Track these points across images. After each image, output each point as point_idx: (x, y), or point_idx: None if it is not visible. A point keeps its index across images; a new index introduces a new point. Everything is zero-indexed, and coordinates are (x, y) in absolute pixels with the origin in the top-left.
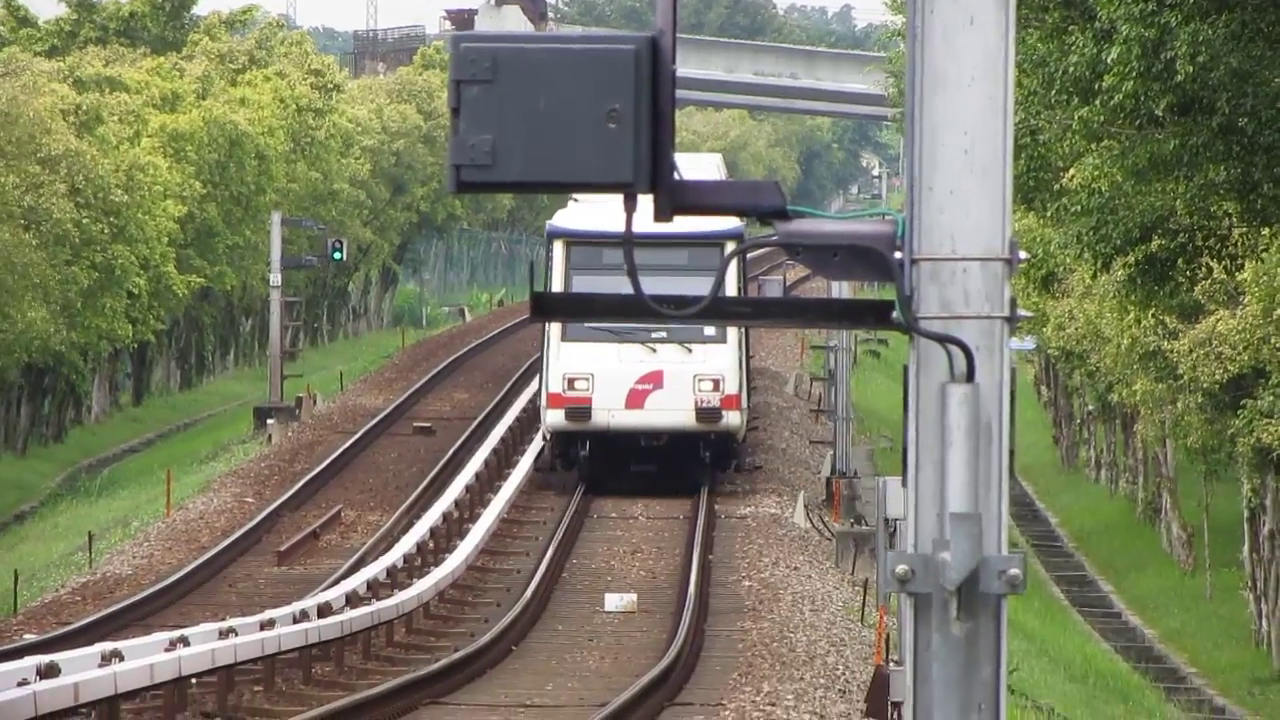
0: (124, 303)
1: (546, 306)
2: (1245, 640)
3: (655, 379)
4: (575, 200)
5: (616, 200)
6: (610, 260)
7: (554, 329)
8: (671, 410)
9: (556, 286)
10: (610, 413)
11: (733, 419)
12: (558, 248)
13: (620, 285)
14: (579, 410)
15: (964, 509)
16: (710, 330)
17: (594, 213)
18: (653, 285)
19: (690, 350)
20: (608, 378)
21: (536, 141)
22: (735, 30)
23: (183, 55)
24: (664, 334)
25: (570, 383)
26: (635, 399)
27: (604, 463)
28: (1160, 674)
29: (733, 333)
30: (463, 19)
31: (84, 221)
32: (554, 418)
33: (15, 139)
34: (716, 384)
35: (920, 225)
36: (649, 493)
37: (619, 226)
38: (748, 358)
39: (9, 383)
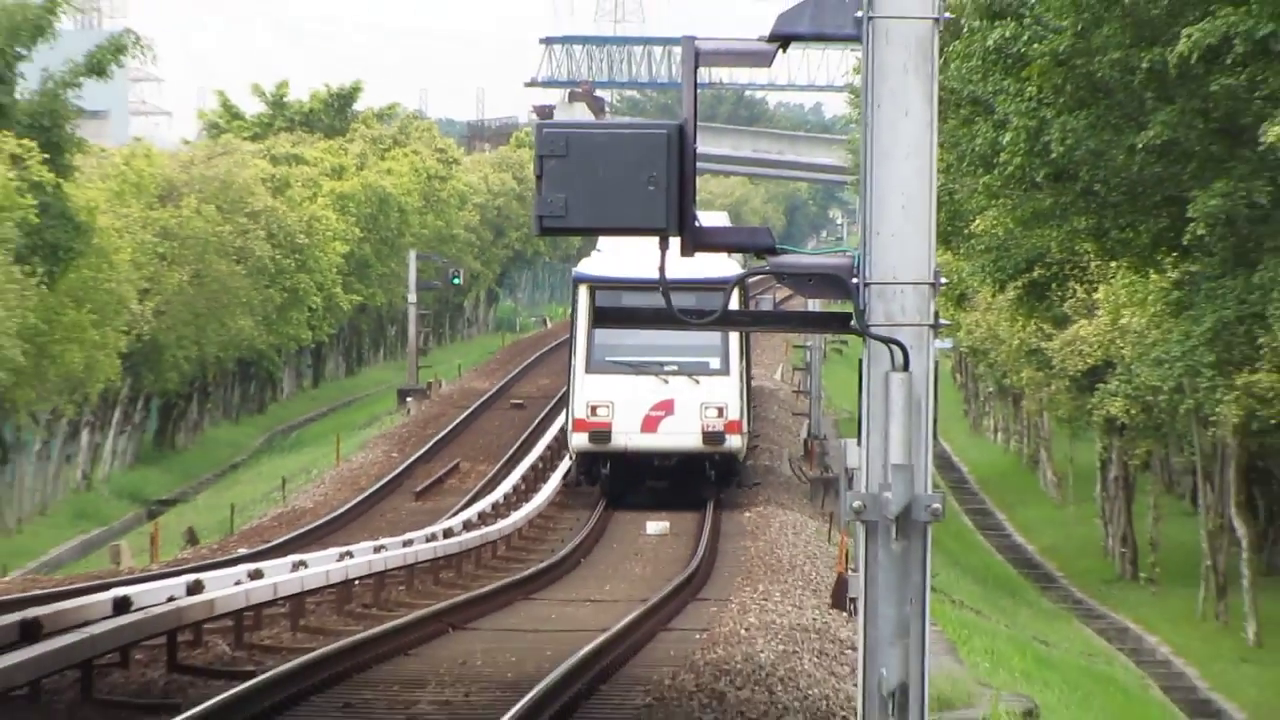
0: (305, 315)
1: (606, 316)
2: (1098, 553)
3: (667, 407)
4: (598, 250)
5: (631, 251)
6: (626, 301)
7: (579, 363)
8: (681, 434)
9: (581, 325)
10: (628, 436)
11: (735, 442)
12: (582, 291)
13: (643, 329)
14: (600, 434)
15: (901, 461)
16: (715, 364)
17: (611, 261)
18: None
19: (698, 382)
20: (626, 405)
21: (596, 199)
22: (738, 120)
23: (346, 139)
24: (675, 367)
25: (593, 409)
26: (650, 424)
27: (622, 479)
28: (1038, 577)
29: (735, 366)
30: (545, 112)
31: (277, 257)
32: (579, 440)
33: (230, 199)
34: (720, 411)
35: (870, 259)
36: (667, 502)
37: (632, 274)
38: (749, 385)
39: (227, 371)
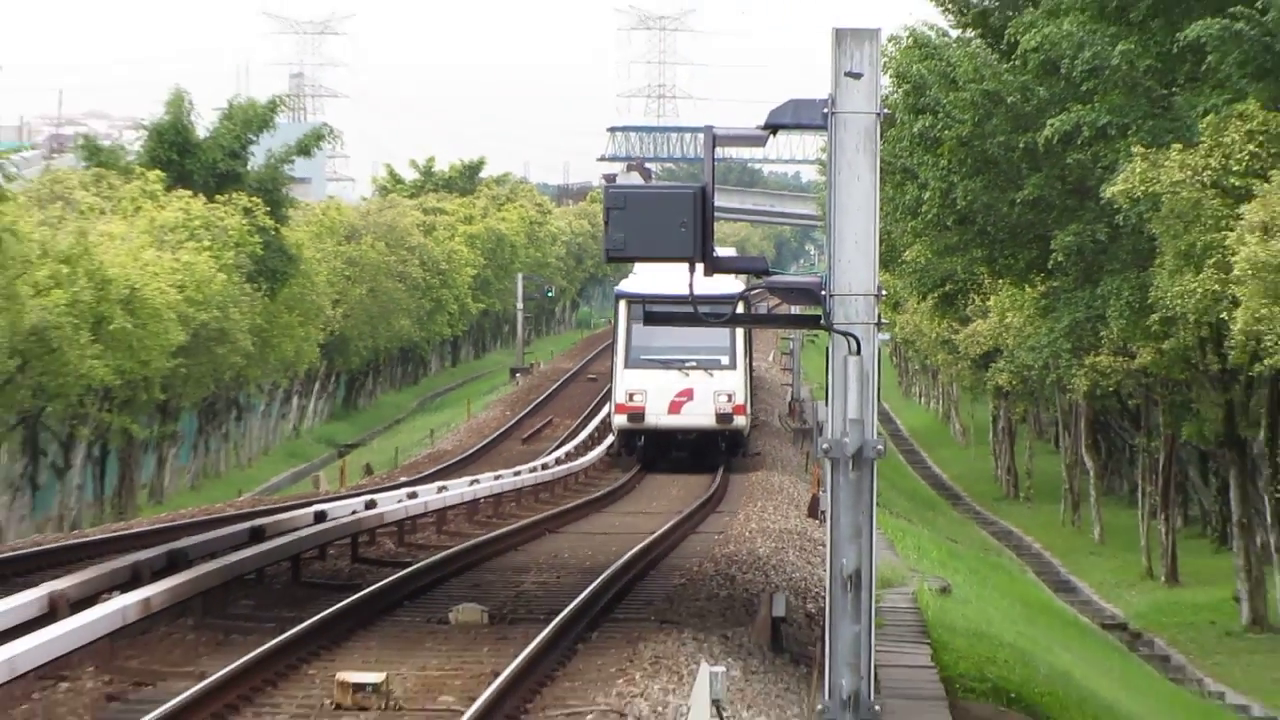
0: (446, 317)
1: (654, 317)
2: (989, 480)
3: (688, 394)
4: (634, 273)
5: (658, 273)
6: (662, 315)
7: (619, 360)
8: (699, 415)
9: (621, 330)
10: (658, 416)
11: (740, 421)
12: (622, 304)
13: (671, 332)
14: (637, 415)
15: (855, 417)
16: (725, 361)
17: (644, 281)
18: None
19: (712, 374)
20: (656, 393)
21: (646, 237)
22: (741, 182)
23: (474, 196)
24: (694, 363)
25: (630, 396)
26: (674, 407)
27: (653, 450)
28: (949, 496)
29: (740, 362)
30: (610, 178)
31: (427, 278)
32: (619, 420)
33: (394, 238)
34: (730, 397)
35: (833, 279)
36: (687, 467)
37: (660, 290)
38: (752, 377)
39: (392, 355)
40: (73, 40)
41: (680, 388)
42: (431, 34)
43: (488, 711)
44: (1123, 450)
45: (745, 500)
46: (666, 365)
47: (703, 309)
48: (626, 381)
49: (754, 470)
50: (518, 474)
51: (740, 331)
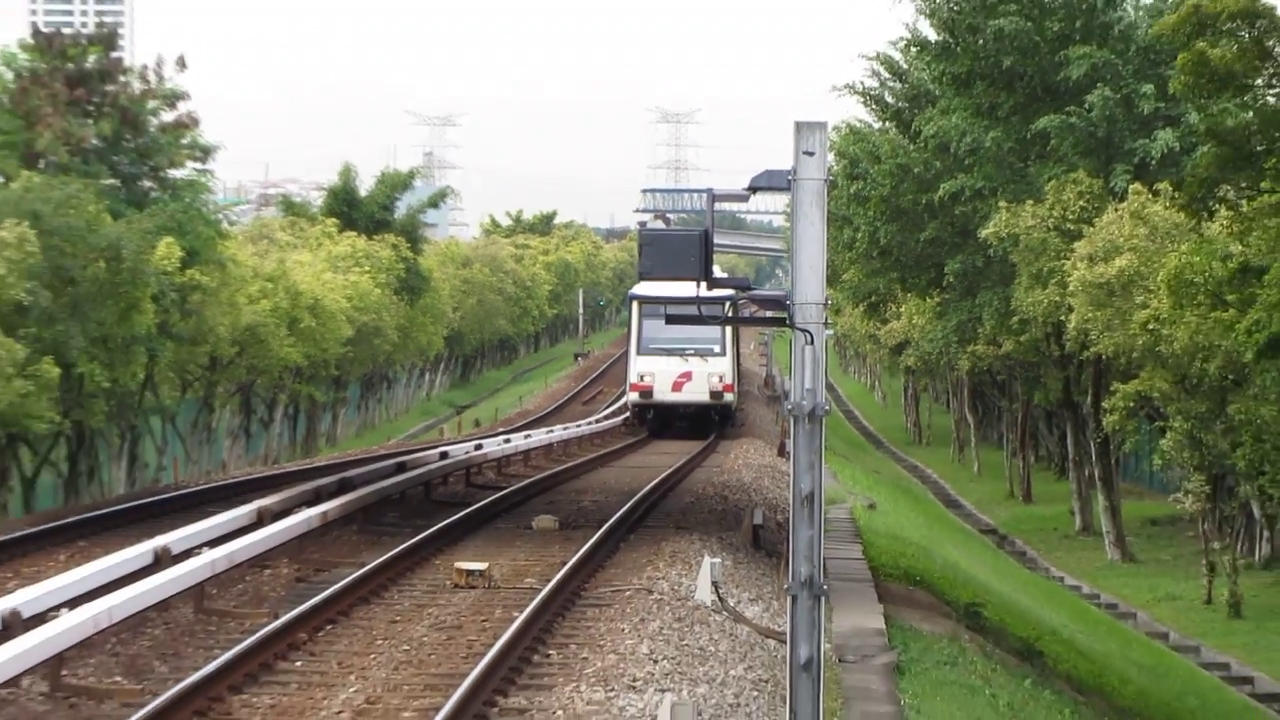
0: (530, 319)
1: (673, 318)
2: (901, 430)
3: (688, 376)
4: (642, 280)
5: (662, 282)
6: (665, 312)
7: (633, 348)
8: (696, 393)
9: (633, 324)
10: (663, 393)
11: (729, 398)
12: (635, 305)
13: (673, 327)
14: (647, 392)
15: (809, 387)
16: (716, 350)
17: (653, 288)
18: (695, 323)
19: (706, 360)
20: (662, 375)
21: (667, 262)
22: (732, 226)
23: (549, 236)
24: (692, 351)
25: (641, 377)
26: (677, 386)
27: (660, 421)
28: (874, 441)
29: (729, 351)
30: (643, 224)
31: (517, 293)
32: (633, 396)
33: (495, 265)
34: (720, 378)
35: (795, 292)
36: (690, 434)
37: (663, 294)
38: (739, 364)
39: (493, 345)
40: (274, 128)
41: (681, 370)
42: (519, 126)
43: (558, 589)
44: (993, 410)
45: (734, 445)
46: (670, 353)
47: (710, 331)
48: (638, 365)
49: (740, 425)
50: (579, 426)
51: (728, 328)
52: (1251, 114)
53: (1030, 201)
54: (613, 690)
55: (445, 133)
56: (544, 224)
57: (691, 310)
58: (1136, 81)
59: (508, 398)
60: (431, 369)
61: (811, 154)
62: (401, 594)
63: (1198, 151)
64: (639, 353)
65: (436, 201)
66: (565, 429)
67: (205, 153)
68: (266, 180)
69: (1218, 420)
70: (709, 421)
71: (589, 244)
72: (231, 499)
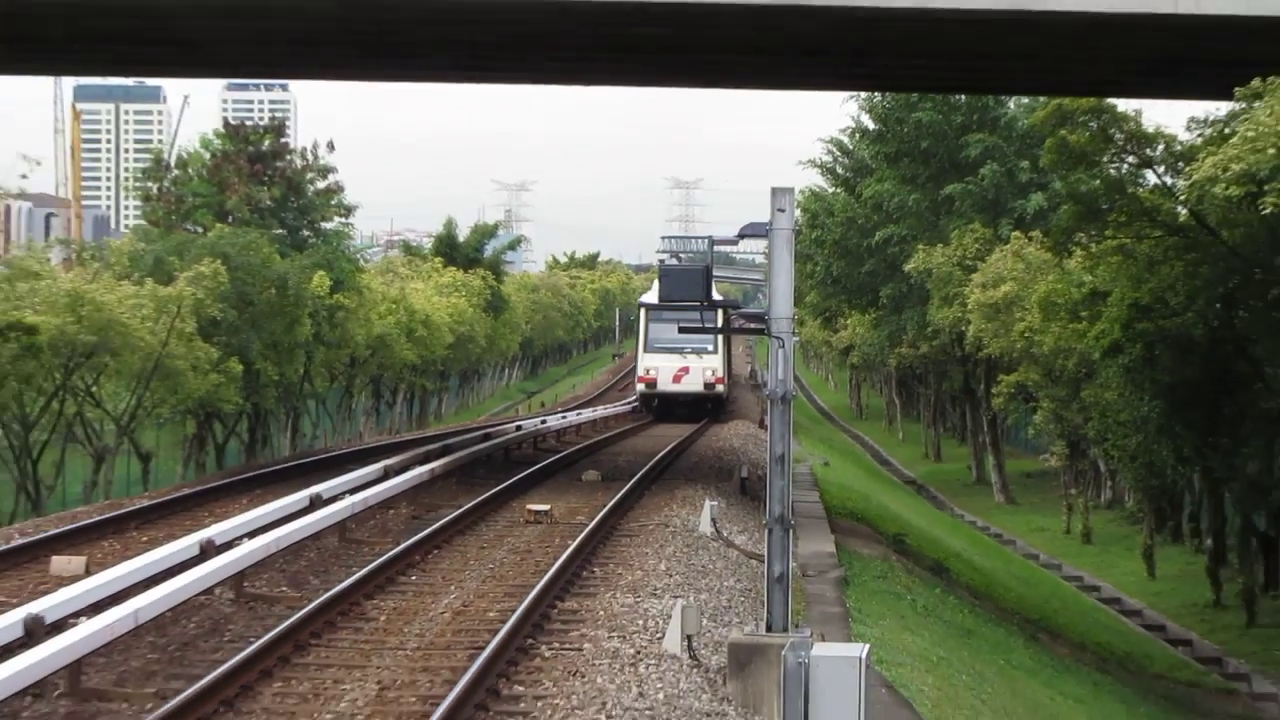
0: (580, 330)
1: (686, 328)
2: (848, 409)
3: (686, 370)
4: (650, 290)
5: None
6: (667, 316)
7: (641, 347)
8: (693, 385)
9: (641, 327)
10: (665, 385)
11: (721, 389)
12: (643, 311)
13: (675, 329)
14: (651, 384)
15: (781, 378)
16: (710, 349)
17: (656, 295)
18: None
19: (701, 357)
20: (664, 369)
21: (679, 287)
22: (726, 262)
23: (594, 269)
24: (690, 350)
25: (648, 371)
26: (677, 379)
27: (662, 408)
28: (827, 417)
29: (721, 350)
30: (662, 261)
31: (571, 311)
32: (641, 387)
33: (555, 290)
34: (713, 372)
35: (771, 310)
36: (685, 420)
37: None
38: (730, 362)
39: (554, 348)
40: (398, 189)
41: (680, 366)
42: (573, 191)
43: (601, 524)
44: (914, 394)
45: (728, 422)
46: (671, 351)
47: (687, 317)
48: (645, 361)
49: (731, 408)
50: (614, 407)
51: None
52: (1099, 182)
53: (940, 245)
54: (639, 596)
55: (520, 195)
56: (590, 261)
57: (680, 314)
58: (1016, 159)
59: (564, 386)
60: (509, 365)
61: (783, 210)
62: (487, 527)
63: (1060, 209)
64: (645, 351)
65: (513, 245)
66: (604, 409)
67: (347, 210)
68: (392, 230)
69: (1074, 402)
70: (704, 409)
71: (623, 275)
72: (365, 459)
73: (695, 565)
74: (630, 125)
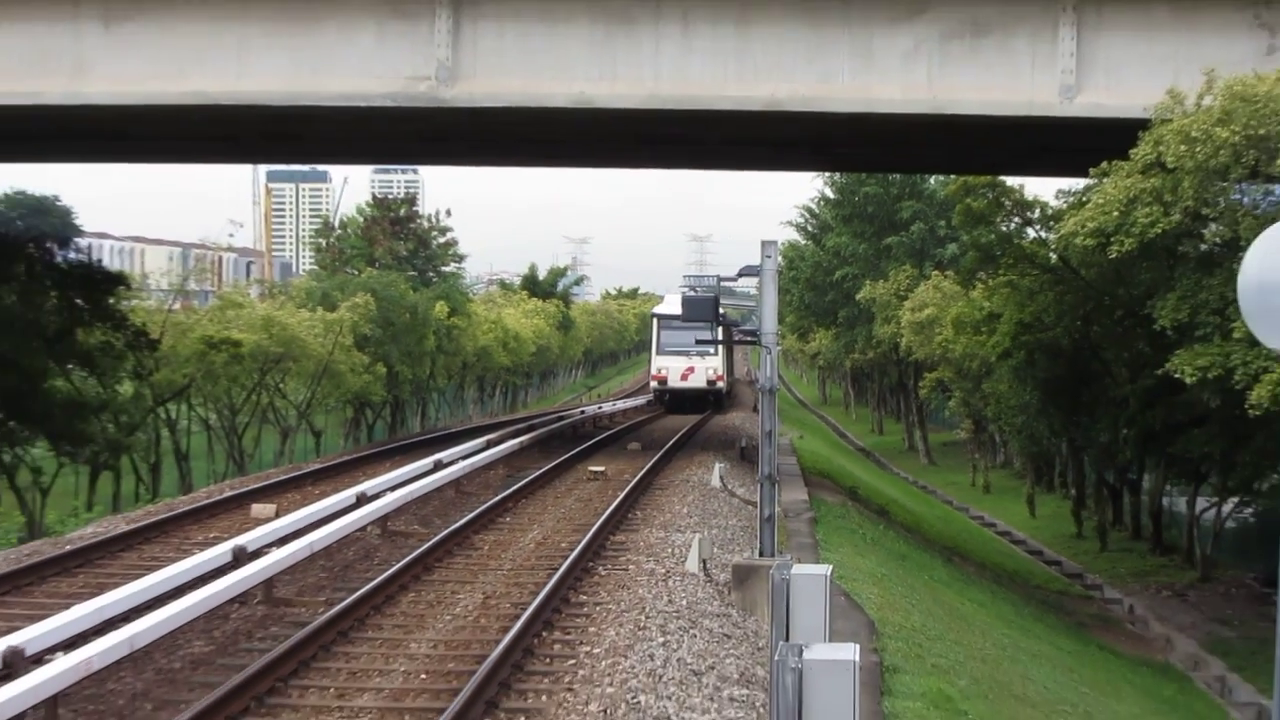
0: (626, 342)
1: (700, 342)
2: (817, 398)
3: (691, 369)
4: (661, 305)
5: (673, 305)
6: (676, 325)
7: (653, 350)
8: (697, 381)
9: (654, 335)
10: (674, 382)
11: (721, 386)
12: (655, 321)
13: (681, 335)
14: (663, 381)
15: (769, 375)
16: (712, 351)
17: (669, 307)
18: (696, 333)
19: (704, 358)
20: (673, 369)
21: (697, 312)
22: (727, 292)
23: (635, 299)
24: (695, 352)
25: (659, 370)
26: (684, 377)
27: (672, 402)
28: (801, 404)
29: (722, 353)
30: (684, 294)
31: (619, 329)
32: (654, 384)
33: (606, 314)
34: (714, 371)
35: (761, 327)
36: (691, 411)
37: (673, 312)
38: (730, 363)
39: (606, 356)
40: (495, 238)
41: (687, 365)
42: (625, 238)
43: (641, 481)
44: (864, 387)
45: (731, 411)
46: (679, 353)
47: (705, 335)
48: (657, 363)
49: (733, 399)
50: (624, 400)
51: (720, 337)
52: (994, 236)
53: (882, 281)
54: (668, 531)
55: (584, 245)
56: (632, 293)
57: (707, 336)
58: (936, 219)
59: (615, 383)
60: (575, 368)
61: (770, 256)
62: (560, 483)
63: (966, 255)
64: (657, 353)
65: (578, 282)
66: (643, 398)
67: (460, 258)
68: (491, 271)
69: (977, 392)
70: (706, 402)
71: (656, 303)
72: (474, 435)
73: (708, 509)
74: (660, 192)
